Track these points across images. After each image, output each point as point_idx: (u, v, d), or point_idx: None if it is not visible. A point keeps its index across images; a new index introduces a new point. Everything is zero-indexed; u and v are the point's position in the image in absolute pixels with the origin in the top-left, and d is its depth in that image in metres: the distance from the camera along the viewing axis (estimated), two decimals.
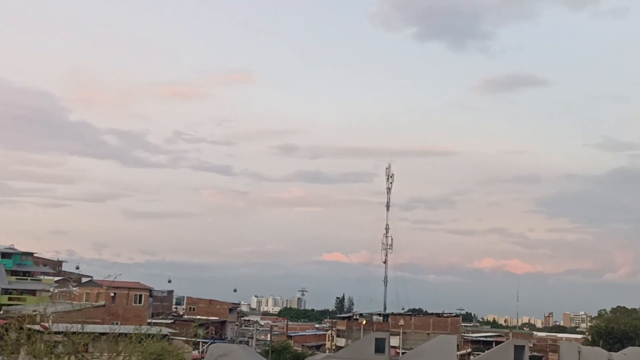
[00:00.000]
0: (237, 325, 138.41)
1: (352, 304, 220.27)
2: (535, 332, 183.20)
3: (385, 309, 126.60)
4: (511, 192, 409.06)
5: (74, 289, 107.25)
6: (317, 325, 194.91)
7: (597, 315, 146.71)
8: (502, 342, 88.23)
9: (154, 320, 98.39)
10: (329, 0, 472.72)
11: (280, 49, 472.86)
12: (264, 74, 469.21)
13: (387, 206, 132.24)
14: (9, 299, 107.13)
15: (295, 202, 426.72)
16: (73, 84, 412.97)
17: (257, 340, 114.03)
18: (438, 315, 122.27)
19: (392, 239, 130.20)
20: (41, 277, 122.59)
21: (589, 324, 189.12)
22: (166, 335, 48.85)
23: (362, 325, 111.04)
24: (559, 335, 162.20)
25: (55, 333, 27.39)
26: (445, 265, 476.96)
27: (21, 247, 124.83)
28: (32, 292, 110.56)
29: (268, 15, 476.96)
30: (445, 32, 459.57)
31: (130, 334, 28.80)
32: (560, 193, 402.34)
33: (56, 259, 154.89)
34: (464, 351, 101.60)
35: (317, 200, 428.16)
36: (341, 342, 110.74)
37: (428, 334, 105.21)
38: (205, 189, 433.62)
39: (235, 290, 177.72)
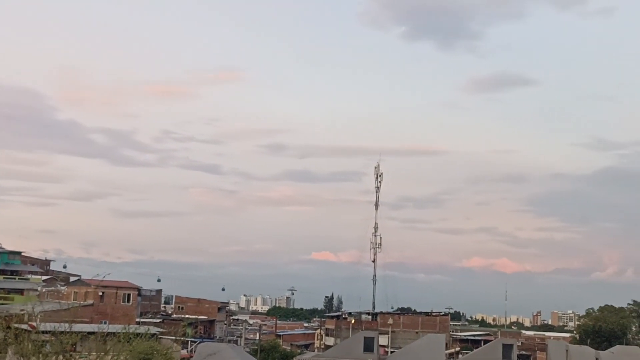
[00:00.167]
0: (225, 324, 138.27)
1: (341, 303, 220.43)
2: (523, 331, 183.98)
3: (374, 307, 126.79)
4: (500, 191, 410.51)
5: (62, 288, 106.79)
6: (305, 324, 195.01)
7: (585, 314, 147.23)
8: (491, 340, 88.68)
9: (142, 320, 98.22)
10: None
11: (269, 48, 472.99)
12: (252, 73, 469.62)
13: (376, 205, 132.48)
14: None
15: (284, 201, 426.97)
16: (61, 83, 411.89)
17: (246, 339, 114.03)
18: (427, 314, 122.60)
19: (381, 238, 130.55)
20: (29, 276, 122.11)
21: (576, 322, 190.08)
22: (155, 334, 48.76)
23: (350, 324, 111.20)
24: (547, 334, 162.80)
25: (43, 332, 27.24)
26: (434, 264, 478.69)
27: (9, 246, 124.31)
28: (20, 291, 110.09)
29: (257, 15, 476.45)
30: (434, 31, 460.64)
31: (118, 333, 28.73)
32: (548, 192, 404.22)
33: (44, 258, 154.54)
34: (452, 350, 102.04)
35: (306, 200, 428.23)
36: (330, 341, 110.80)
37: (417, 332, 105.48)
38: (194, 188, 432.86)
39: (223, 289, 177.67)
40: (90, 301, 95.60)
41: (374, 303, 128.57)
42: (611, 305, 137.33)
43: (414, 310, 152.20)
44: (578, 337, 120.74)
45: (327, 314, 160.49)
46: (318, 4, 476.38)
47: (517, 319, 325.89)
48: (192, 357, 70.58)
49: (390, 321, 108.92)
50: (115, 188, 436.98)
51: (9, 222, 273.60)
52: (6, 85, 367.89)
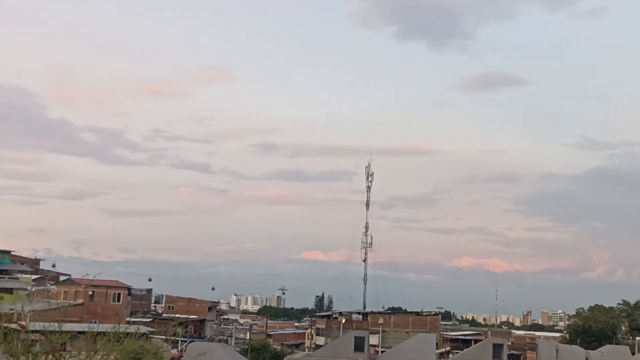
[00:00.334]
0: (216, 323, 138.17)
1: (332, 302, 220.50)
2: (513, 331, 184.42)
3: (364, 307, 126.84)
4: (490, 191, 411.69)
5: (52, 287, 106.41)
6: (296, 324, 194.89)
7: (574, 313, 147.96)
8: (481, 340, 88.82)
9: (132, 319, 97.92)
10: None
11: (260, 47, 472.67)
12: (243, 72, 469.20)
13: (367, 205, 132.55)
14: None
15: (275, 201, 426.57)
16: (52, 82, 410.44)
17: (237, 338, 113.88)
18: (417, 313, 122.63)
19: (371, 237, 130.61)
20: (19, 275, 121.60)
21: (566, 322, 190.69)
22: (145, 333, 48.61)
23: (341, 324, 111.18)
24: (537, 333, 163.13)
25: (33, 332, 27.13)
26: (425, 263, 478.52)
27: None
28: (9, 291, 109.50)
29: (248, 14, 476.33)
30: (425, 31, 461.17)
31: (108, 332, 28.62)
32: (538, 192, 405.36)
33: (34, 257, 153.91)
34: (443, 349, 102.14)
35: (297, 199, 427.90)
36: (320, 340, 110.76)
37: (407, 332, 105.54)
38: (184, 187, 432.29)
39: (213, 289, 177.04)
40: (80, 300, 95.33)
41: (364, 303, 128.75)
42: (601, 305, 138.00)
43: (405, 309, 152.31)
44: (568, 337, 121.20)
45: (317, 314, 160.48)
46: (309, 3, 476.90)
47: (508, 318, 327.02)
48: (182, 356, 70.40)
49: (381, 321, 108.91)
50: (105, 187, 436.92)
51: None
52: None
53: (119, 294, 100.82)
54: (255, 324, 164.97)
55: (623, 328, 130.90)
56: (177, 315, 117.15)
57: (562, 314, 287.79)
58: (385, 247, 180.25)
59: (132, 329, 34.03)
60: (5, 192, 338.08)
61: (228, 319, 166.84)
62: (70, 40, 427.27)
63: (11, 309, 33.65)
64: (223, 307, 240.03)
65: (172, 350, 75.21)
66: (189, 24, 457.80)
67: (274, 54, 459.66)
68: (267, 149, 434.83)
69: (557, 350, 66.73)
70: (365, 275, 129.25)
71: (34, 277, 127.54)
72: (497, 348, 62.44)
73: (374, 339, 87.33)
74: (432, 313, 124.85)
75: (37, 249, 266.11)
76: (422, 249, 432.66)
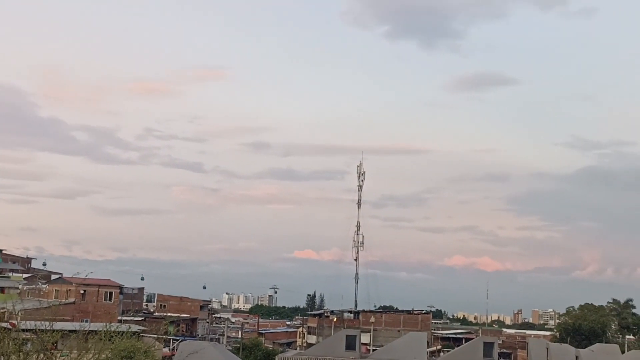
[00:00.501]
0: (208, 322, 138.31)
1: (323, 301, 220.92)
2: (504, 329, 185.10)
3: (356, 306, 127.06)
4: (481, 190, 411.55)
5: (43, 286, 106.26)
6: (288, 323, 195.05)
7: (565, 312, 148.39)
8: (472, 339, 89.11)
9: (124, 318, 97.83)
10: None
11: (252, 46, 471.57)
12: (235, 71, 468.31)
13: (359, 204, 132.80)
14: None
15: (267, 200, 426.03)
16: (43, 80, 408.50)
17: (228, 337, 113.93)
18: (408, 312, 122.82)
19: (363, 236, 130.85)
20: (10, 274, 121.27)
21: (557, 321, 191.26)
22: (136, 332, 48.67)
23: (333, 323, 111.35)
24: (528, 332, 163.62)
25: (24, 330, 27.15)
26: (416, 262, 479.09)
27: None
28: (1, 290, 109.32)
29: (240, 13, 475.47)
30: (416, 30, 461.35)
31: (100, 331, 28.68)
32: (529, 191, 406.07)
33: (25, 256, 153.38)
34: (434, 348, 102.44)
35: (289, 198, 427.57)
36: (312, 339, 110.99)
37: (399, 331, 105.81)
38: (176, 186, 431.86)
39: (204, 287, 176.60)
40: (71, 299, 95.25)
41: (356, 301, 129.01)
42: (591, 304, 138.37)
43: (396, 308, 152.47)
44: (558, 336, 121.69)
45: (309, 312, 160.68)
46: (301, 2, 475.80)
47: (498, 317, 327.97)
48: (174, 355, 70.44)
49: (372, 319, 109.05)
50: (97, 186, 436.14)
51: None
52: None
53: (110, 293, 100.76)
54: (247, 323, 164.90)
55: (613, 327, 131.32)
56: (169, 314, 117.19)
57: (553, 313, 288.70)
58: (376, 246, 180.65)
59: (123, 327, 34.12)
60: None
61: (220, 317, 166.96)
62: (62, 39, 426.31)
63: (2, 308, 33.63)
64: (215, 305, 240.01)
65: (164, 349, 75.31)
66: (181, 22, 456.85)
67: (265, 53, 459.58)
68: (259, 148, 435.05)
69: (547, 348, 67.07)
70: (357, 274, 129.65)
71: (25, 275, 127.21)
72: (488, 346, 62.66)
73: (365, 338, 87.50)
74: (423, 312, 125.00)
75: (28, 248, 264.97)
76: (414, 247, 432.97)
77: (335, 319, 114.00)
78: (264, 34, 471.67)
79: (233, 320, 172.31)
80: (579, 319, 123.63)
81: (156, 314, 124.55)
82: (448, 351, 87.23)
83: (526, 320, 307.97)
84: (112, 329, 29.85)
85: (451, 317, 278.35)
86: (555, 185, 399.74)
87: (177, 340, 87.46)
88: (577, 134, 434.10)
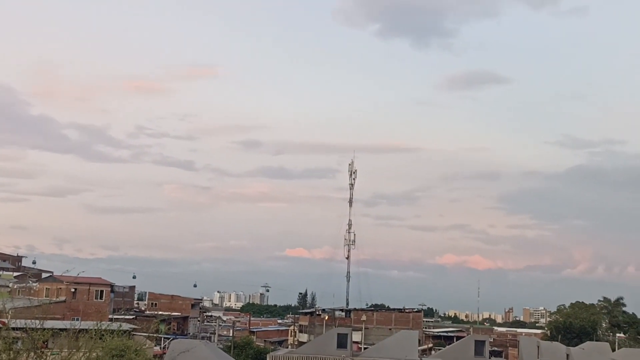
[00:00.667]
0: (199, 321, 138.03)
1: (315, 299, 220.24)
2: (495, 327, 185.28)
3: (347, 304, 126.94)
4: (472, 188, 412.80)
5: (34, 284, 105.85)
6: (279, 321, 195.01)
7: (556, 310, 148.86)
8: (463, 337, 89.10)
9: (115, 316, 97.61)
10: None
11: (243, 44, 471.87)
12: (227, 69, 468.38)
13: (350, 202, 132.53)
14: None
15: (258, 198, 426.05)
16: (34, 78, 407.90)
17: (220, 336, 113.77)
18: (400, 310, 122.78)
19: (354, 234, 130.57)
20: (0, 272, 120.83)
21: (548, 319, 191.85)
22: (127, 331, 48.57)
23: (324, 321, 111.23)
24: (519, 330, 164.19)
25: (14, 329, 27.04)
26: (408, 260, 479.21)
27: None
28: None
29: (232, 11, 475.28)
30: (408, 29, 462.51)
31: (90, 329, 28.59)
32: (520, 190, 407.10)
33: (16, 254, 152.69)
34: (425, 346, 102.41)
35: (280, 196, 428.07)
36: (303, 337, 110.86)
37: (390, 329, 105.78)
38: (167, 184, 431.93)
39: (195, 286, 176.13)
40: (62, 298, 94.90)
41: (347, 300, 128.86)
42: (582, 302, 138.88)
43: (388, 306, 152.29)
44: (549, 334, 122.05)
45: (300, 311, 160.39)
46: (293, 1, 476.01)
47: (490, 315, 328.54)
48: (165, 353, 70.30)
49: (364, 318, 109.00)
50: (88, 184, 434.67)
51: None
52: None
53: (101, 291, 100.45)
54: (239, 321, 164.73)
55: (604, 325, 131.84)
56: (160, 313, 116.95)
57: (544, 311, 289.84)
58: (368, 244, 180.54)
59: (114, 326, 34.07)
60: None
61: (211, 316, 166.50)
62: (53, 36, 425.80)
63: None
64: (206, 304, 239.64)
65: (155, 348, 75.14)
66: (172, 20, 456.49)
67: (257, 51, 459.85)
68: (251, 146, 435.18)
69: (538, 346, 67.21)
70: (348, 272, 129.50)
71: (15, 274, 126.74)
72: (479, 345, 62.76)
73: (356, 336, 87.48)
74: (415, 310, 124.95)
75: (19, 246, 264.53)
76: (405, 246, 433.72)
77: (326, 318, 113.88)
78: (255, 32, 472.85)
79: (224, 318, 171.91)
80: (570, 317, 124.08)
81: (147, 312, 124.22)
82: (439, 349, 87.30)
83: (517, 319, 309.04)
84: (103, 328, 29.78)
85: (442, 315, 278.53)
86: (547, 183, 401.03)
87: (168, 338, 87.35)
88: (568, 132, 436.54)
